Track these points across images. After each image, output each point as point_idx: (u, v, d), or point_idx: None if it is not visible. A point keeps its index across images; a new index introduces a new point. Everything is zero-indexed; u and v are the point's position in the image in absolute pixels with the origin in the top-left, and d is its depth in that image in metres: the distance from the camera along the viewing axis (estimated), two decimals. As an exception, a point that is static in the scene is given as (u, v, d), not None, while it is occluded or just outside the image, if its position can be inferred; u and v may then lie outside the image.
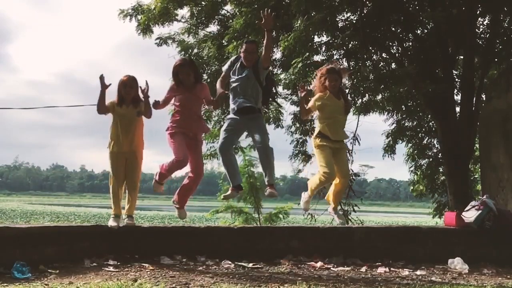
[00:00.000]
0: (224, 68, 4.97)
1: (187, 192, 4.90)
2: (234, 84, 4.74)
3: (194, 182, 4.81)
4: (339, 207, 5.27)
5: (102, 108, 4.83)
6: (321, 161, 4.76)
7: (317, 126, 4.98)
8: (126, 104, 4.83)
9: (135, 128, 4.86)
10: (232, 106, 4.76)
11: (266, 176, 4.70)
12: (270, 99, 5.24)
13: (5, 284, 3.57)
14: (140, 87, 4.76)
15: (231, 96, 4.77)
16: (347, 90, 8.17)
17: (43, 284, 3.58)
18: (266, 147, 4.62)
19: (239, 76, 4.70)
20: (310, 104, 4.97)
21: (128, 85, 4.81)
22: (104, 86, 4.75)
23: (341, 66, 5.63)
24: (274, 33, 4.92)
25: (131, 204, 4.90)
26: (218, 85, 4.90)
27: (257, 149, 4.72)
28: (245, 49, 4.74)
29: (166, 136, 4.79)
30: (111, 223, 4.81)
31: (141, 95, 4.79)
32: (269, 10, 4.53)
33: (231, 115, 4.79)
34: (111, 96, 4.88)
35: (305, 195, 5.06)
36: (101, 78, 4.74)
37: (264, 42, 4.59)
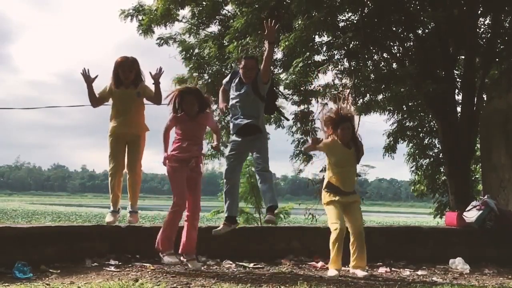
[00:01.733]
0: (224, 81, 4.79)
1: (191, 235, 4.42)
2: (233, 101, 4.53)
3: (194, 219, 4.43)
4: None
5: (94, 102, 4.60)
6: (330, 217, 4.51)
7: (327, 175, 4.73)
8: (125, 86, 4.57)
9: (135, 109, 4.60)
10: (231, 125, 4.60)
11: (264, 199, 4.51)
12: (275, 110, 5.04)
13: (7, 284, 3.58)
14: (150, 72, 4.48)
15: (231, 113, 4.59)
16: (348, 90, 8.19)
17: (44, 284, 3.58)
18: (265, 172, 4.42)
19: (238, 92, 4.50)
20: (320, 145, 4.72)
21: (127, 69, 4.53)
22: (88, 81, 4.49)
23: (345, 99, 5.21)
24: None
25: (134, 193, 4.60)
26: (220, 97, 4.77)
27: (256, 172, 4.55)
28: (244, 65, 4.49)
29: (167, 165, 4.43)
30: (107, 218, 4.62)
31: (147, 79, 4.54)
32: (273, 20, 4.33)
33: (233, 138, 4.60)
34: (104, 78, 4.64)
35: (331, 271, 4.44)
36: (83, 73, 4.48)
37: (265, 53, 4.42)
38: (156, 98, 4.55)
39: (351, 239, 4.54)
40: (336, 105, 4.86)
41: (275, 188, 4.51)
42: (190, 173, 4.40)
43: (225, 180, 4.57)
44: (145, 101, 4.73)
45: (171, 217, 4.31)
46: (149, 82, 4.66)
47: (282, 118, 5.13)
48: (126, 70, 4.55)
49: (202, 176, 4.59)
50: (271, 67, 5.76)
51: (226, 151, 4.71)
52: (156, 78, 4.50)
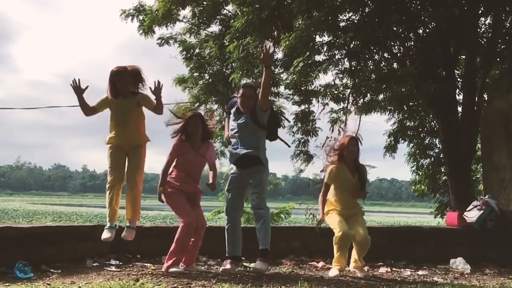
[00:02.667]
0: (225, 116, 4.67)
1: (195, 250, 4.39)
2: (232, 132, 4.42)
3: (199, 236, 4.34)
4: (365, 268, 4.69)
5: (88, 111, 4.41)
6: (332, 224, 4.50)
7: (329, 195, 4.71)
8: (124, 96, 4.37)
9: (135, 119, 4.39)
10: (229, 154, 4.49)
11: (258, 239, 4.27)
12: (277, 138, 4.71)
13: (7, 284, 3.58)
14: (150, 88, 4.35)
15: (231, 144, 4.45)
16: (348, 90, 8.19)
17: (45, 284, 3.59)
18: (259, 210, 4.24)
19: (237, 122, 4.37)
20: (326, 179, 4.66)
21: (125, 80, 4.33)
22: (79, 93, 4.28)
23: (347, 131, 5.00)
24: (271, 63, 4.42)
25: (132, 207, 4.34)
26: (225, 127, 4.68)
27: (252, 210, 4.36)
28: (242, 94, 4.32)
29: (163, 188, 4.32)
30: (104, 235, 4.29)
31: (149, 93, 4.37)
32: (269, 45, 4.17)
33: (233, 170, 4.45)
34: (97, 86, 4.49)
35: (332, 271, 4.44)
36: (73, 85, 4.26)
37: (262, 79, 4.23)
38: (157, 109, 4.40)
39: (356, 246, 4.51)
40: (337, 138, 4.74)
41: (269, 228, 4.26)
42: (188, 194, 4.36)
43: (226, 217, 4.43)
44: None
45: (180, 234, 4.18)
46: (149, 91, 4.44)
47: (284, 143, 4.87)
48: (123, 81, 4.33)
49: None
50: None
51: (227, 184, 4.51)
52: (157, 93, 4.34)
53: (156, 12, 9.34)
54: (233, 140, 4.42)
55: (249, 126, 4.30)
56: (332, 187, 4.69)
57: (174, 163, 4.39)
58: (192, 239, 4.30)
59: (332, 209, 4.61)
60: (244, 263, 4.68)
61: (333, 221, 4.50)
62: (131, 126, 4.37)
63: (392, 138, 9.63)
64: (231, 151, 4.42)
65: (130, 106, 4.37)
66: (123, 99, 4.38)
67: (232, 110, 4.45)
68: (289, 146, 4.80)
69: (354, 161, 4.63)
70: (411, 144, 9.87)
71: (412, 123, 9.64)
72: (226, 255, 4.41)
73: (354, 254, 4.53)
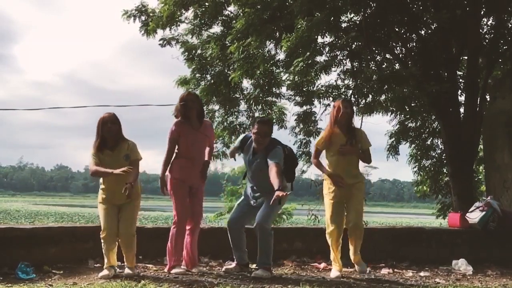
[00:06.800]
0: (233, 146, 4.66)
1: (194, 247, 4.39)
2: (248, 174, 4.46)
3: (194, 232, 4.37)
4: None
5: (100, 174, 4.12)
6: (326, 213, 4.51)
7: (328, 166, 4.57)
8: (110, 148, 4.13)
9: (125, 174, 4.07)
10: (248, 188, 4.52)
11: (259, 257, 4.26)
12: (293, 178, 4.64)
13: (10, 285, 3.60)
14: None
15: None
16: (350, 91, 8.18)
17: (47, 285, 3.61)
18: (259, 229, 4.16)
19: (250, 167, 4.37)
20: (317, 144, 4.59)
21: (110, 120, 4.13)
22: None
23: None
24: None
25: (130, 258, 4.18)
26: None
27: (255, 223, 4.24)
28: (258, 131, 4.24)
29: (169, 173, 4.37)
30: (102, 273, 4.00)
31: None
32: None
33: (249, 187, 4.49)
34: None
35: (334, 272, 4.44)
36: None
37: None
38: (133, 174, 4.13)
39: (349, 232, 4.49)
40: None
41: (268, 247, 4.22)
42: (190, 189, 4.37)
43: (228, 227, 4.42)
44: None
45: (175, 238, 4.27)
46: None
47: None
48: (110, 122, 4.11)
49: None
50: None
51: (240, 198, 4.56)
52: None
53: (160, 14, 9.33)
54: (248, 179, 4.47)
55: (264, 171, 4.20)
56: (329, 156, 4.52)
57: (176, 150, 4.35)
58: (188, 238, 4.33)
59: (330, 193, 4.46)
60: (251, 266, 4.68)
61: (327, 212, 4.49)
62: (121, 183, 4.01)
63: (394, 139, 9.61)
64: (246, 191, 4.51)
65: (118, 160, 4.10)
66: (111, 152, 4.14)
67: (247, 148, 4.39)
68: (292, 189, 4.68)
69: (348, 125, 4.46)
70: (413, 145, 9.86)
71: (414, 124, 9.62)
72: (234, 260, 4.46)
73: (351, 246, 4.52)
